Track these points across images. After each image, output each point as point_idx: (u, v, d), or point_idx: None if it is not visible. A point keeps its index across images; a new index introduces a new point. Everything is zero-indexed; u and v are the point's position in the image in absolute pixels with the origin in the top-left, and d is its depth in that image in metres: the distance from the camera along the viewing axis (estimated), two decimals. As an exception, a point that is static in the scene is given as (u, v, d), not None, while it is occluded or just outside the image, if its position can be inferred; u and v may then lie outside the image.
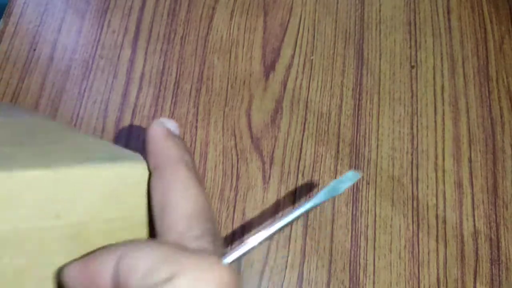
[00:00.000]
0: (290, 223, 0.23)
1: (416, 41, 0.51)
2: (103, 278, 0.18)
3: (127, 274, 0.17)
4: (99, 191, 0.21)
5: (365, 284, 0.41)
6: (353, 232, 0.43)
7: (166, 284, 0.16)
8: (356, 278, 0.41)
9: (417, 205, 0.44)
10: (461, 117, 0.48)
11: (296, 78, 0.48)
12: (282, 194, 0.44)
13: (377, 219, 0.43)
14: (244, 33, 0.50)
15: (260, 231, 0.22)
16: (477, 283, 0.41)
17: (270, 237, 0.21)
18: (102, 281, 0.18)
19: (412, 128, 0.47)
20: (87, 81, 0.47)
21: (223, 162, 0.45)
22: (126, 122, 0.46)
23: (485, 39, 0.51)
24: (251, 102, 0.47)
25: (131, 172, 0.22)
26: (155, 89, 0.47)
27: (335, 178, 0.45)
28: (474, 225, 0.43)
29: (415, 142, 0.46)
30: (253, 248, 0.21)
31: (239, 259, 0.21)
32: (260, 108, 0.47)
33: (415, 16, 0.52)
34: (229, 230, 0.42)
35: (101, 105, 0.46)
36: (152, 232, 0.22)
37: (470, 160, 0.46)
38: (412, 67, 0.50)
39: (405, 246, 0.42)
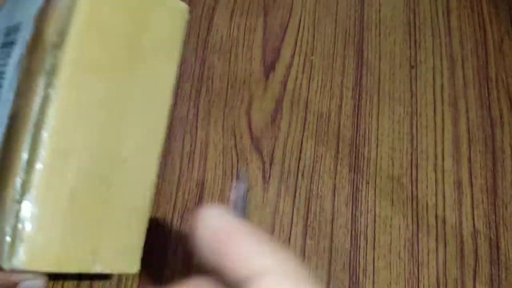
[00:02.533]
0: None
1: (415, 41, 0.51)
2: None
3: None
4: None
5: (365, 284, 0.41)
6: (353, 232, 0.43)
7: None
8: (355, 278, 0.41)
9: (417, 205, 0.44)
10: (460, 117, 0.48)
11: (296, 78, 0.48)
12: (282, 194, 0.44)
13: (376, 219, 0.43)
14: (244, 33, 0.50)
15: None
16: (477, 283, 0.42)
17: None
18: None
19: (411, 128, 0.47)
20: (87, 81, 0.47)
21: (223, 162, 0.45)
22: (126, 122, 0.46)
23: (485, 40, 0.51)
24: (251, 102, 0.47)
25: None
26: (155, 89, 0.47)
27: (335, 178, 0.45)
28: (474, 225, 0.44)
29: (414, 142, 0.47)
30: None
31: None
32: (260, 108, 0.47)
33: (414, 16, 0.52)
34: (229, 230, 0.42)
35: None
36: None
37: (469, 160, 0.46)
38: (412, 67, 0.50)
39: (404, 246, 0.43)
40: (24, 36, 0.21)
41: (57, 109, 0.19)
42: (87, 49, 0.20)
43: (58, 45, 0.19)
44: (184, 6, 0.23)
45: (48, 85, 0.19)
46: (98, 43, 0.20)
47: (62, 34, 0.19)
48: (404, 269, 0.42)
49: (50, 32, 0.19)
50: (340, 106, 0.48)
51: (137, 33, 0.21)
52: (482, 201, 0.44)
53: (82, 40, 0.20)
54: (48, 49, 0.19)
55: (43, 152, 0.19)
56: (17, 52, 0.21)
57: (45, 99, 0.19)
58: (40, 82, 0.19)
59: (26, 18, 0.21)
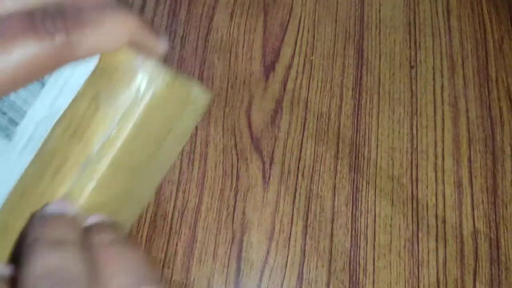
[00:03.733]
0: None
1: (415, 41, 0.51)
2: None
3: None
4: None
5: (365, 284, 0.41)
6: (353, 232, 0.43)
7: None
8: (356, 278, 0.41)
9: (417, 205, 0.44)
10: (460, 117, 0.48)
11: (296, 78, 0.48)
12: (282, 194, 0.44)
13: (377, 219, 0.43)
14: (244, 33, 0.50)
15: None
16: (477, 282, 0.42)
17: None
18: None
19: (411, 128, 0.47)
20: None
21: (223, 162, 0.45)
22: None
23: (485, 39, 0.51)
24: (251, 102, 0.47)
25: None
26: (155, 89, 0.47)
27: (335, 178, 0.45)
28: (474, 225, 0.44)
29: (414, 142, 0.47)
30: None
31: None
32: (260, 108, 0.47)
33: (414, 16, 0.52)
34: (229, 230, 0.42)
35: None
36: None
37: (469, 160, 0.46)
38: (412, 67, 0.50)
39: (404, 246, 0.43)
40: (56, 101, 0.21)
41: (86, 200, 0.20)
42: (128, 154, 0.21)
43: (100, 153, 0.20)
44: (209, 97, 0.24)
45: (83, 175, 0.20)
46: (137, 147, 0.21)
47: (108, 146, 0.20)
48: (404, 269, 0.42)
49: (94, 142, 0.20)
50: (340, 106, 0.48)
51: (168, 131, 0.22)
52: (482, 201, 0.44)
53: (125, 148, 0.20)
54: (90, 154, 0.20)
55: None
56: (44, 109, 0.21)
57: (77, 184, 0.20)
58: (74, 173, 0.20)
59: (59, 81, 0.21)
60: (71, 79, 0.21)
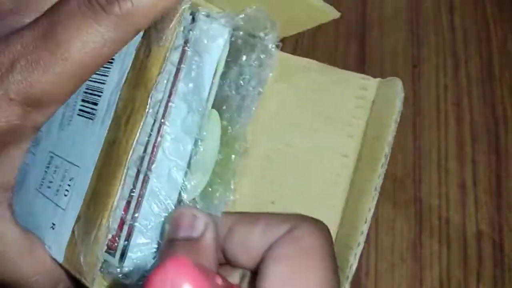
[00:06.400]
0: None
1: (418, 40, 0.51)
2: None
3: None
4: None
5: (367, 286, 0.41)
6: (355, 234, 0.42)
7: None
8: (357, 281, 0.41)
9: (420, 206, 0.44)
10: (464, 116, 0.47)
11: (297, 78, 0.48)
12: (283, 195, 0.43)
13: (379, 220, 0.43)
14: (245, 32, 0.50)
15: None
16: (480, 285, 0.41)
17: None
18: None
19: (414, 128, 0.47)
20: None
21: (223, 163, 0.44)
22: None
23: (488, 38, 0.51)
24: (251, 102, 0.47)
25: None
26: (154, 89, 0.47)
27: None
28: (477, 227, 0.43)
29: (417, 142, 0.46)
30: None
31: None
32: (261, 109, 0.47)
33: (417, 15, 0.52)
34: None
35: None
36: None
37: (473, 161, 0.46)
38: (415, 66, 0.49)
39: (407, 248, 0.42)
40: (123, 65, 0.22)
41: None
42: None
43: None
44: None
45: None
46: None
47: None
48: (407, 271, 0.41)
49: (151, 79, 0.21)
50: (342, 106, 0.47)
51: None
52: (486, 202, 0.44)
53: None
54: (150, 91, 0.21)
55: None
56: (114, 77, 0.22)
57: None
58: (140, 116, 0.21)
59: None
60: None
